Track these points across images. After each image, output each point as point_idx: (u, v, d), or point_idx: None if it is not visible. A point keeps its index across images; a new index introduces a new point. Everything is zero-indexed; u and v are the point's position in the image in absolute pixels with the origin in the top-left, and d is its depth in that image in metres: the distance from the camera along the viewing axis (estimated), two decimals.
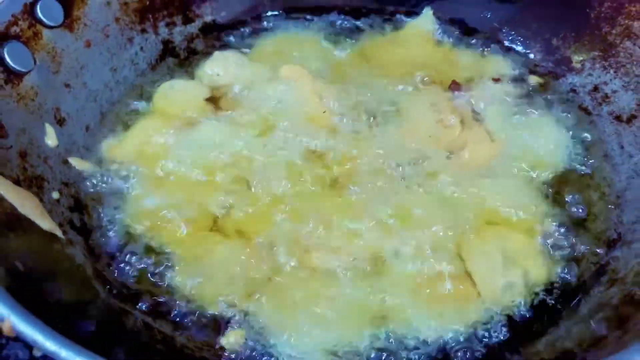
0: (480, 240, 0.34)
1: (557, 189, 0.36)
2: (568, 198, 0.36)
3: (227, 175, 0.37)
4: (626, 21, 0.38)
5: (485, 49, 0.46)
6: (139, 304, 0.31)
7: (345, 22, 0.49)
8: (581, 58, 0.41)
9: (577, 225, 0.35)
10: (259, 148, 0.39)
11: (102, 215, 0.36)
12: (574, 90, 0.41)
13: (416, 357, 0.31)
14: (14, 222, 0.30)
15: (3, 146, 0.34)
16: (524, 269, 0.32)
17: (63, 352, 0.24)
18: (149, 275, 0.33)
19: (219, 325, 0.31)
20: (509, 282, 0.32)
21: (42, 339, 0.25)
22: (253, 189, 0.36)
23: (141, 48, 0.45)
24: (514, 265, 0.32)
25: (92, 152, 0.39)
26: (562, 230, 0.34)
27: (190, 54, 0.47)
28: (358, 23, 0.49)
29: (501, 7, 0.44)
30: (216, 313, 0.32)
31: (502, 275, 0.31)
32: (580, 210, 0.35)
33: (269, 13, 0.49)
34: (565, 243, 0.34)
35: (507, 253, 0.32)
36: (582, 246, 0.34)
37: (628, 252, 0.32)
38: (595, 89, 0.40)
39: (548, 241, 0.34)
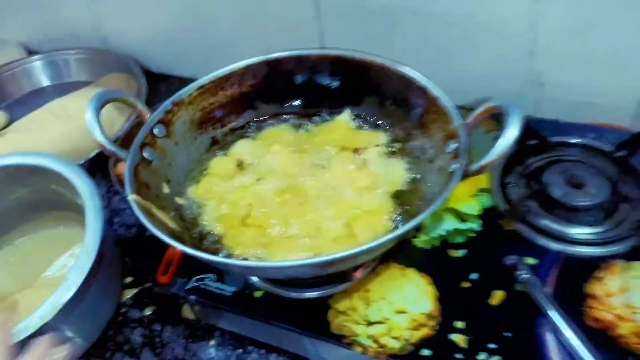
0: (360, 219, 0.63)
1: (397, 198, 0.66)
2: (402, 201, 0.66)
3: (246, 200, 0.67)
4: (430, 115, 0.68)
5: (373, 129, 0.75)
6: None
7: (303, 120, 0.79)
8: (415, 132, 0.71)
9: (404, 212, 0.65)
10: (261, 186, 0.69)
11: (193, 220, 0.67)
12: (412, 149, 0.70)
13: None
14: (162, 224, 0.67)
15: (150, 193, 0.71)
16: (377, 229, 0.64)
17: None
18: (212, 239, 0.65)
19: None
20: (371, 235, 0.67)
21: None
22: (260, 204, 0.66)
23: (201, 141, 0.73)
24: (372, 227, 0.65)
25: (184, 194, 0.68)
26: (397, 214, 0.66)
27: (225, 143, 0.75)
28: (311, 120, 0.79)
29: (379, 111, 0.76)
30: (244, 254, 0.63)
31: (367, 232, 0.67)
32: (406, 205, 0.65)
33: (262, 118, 0.81)
34: (398, 219, 0.64)
35: (370, 223, 0.69)
36: (405, 217, 0.67)
37: None
38: (421, 147, 0.69)
39: (389, 217, 0.66)
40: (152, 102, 1.11)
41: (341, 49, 0.77)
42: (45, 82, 1.20)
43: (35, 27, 1.35)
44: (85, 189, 0.72)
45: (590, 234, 0.71)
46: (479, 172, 0.59)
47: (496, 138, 0.57)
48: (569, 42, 0.87)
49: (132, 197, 0.61)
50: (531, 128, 0.82)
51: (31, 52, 1.27)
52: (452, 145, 0.64)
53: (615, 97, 0.89)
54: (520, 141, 0.82)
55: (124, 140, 0.99)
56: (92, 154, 1.01)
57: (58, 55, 1.20)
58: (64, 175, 0.73)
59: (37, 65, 1.19)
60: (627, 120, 0.90)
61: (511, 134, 0.57)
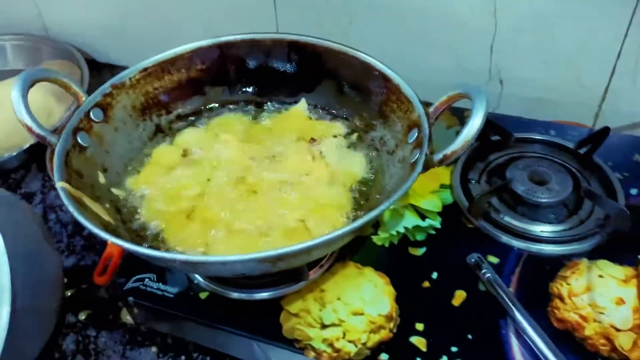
0: (316, 213, 0.59)
1: (356, 190, 0.63)
2: (360, 194, 0.62)
3: (192, 192, 0.62)
4: (390, 104, 0.64)
5: (331, 119, 0.72)
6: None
7: (256, 109, 0.75)
8: (375, 123, 0.67)
9: (363, 205, 0.62)
10: (209, 177, 0.65)
11: (131, 214, 0.61)
12: (372, 140, 0.67)
13: None
14: (95, 216, 0.61)
15: (83, 182, 0.64)
16: (333, 223, 0.59)
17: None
18: (152, 234, 0.59)
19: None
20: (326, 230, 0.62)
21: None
22: (207, 197, 0.62)
23: (143, 129, 0.68)
24: (328, 221, 0.61)
25: (122, 185, 0.63)
26: (355, 208, 0.62)
27: (171, 131, 0.71)
28: (264, 108, 0.75)
29: (337, 100, 0.72)
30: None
31: (322, 226, 0.62)
32: (363, 199, 0.62)
33: (212, 105, 0.75)
34: (354, 214, 0.61)
35: (326, 217, 0.63)
36: (363, 212, 0.61)
37: None
38: (381, 138, 0.66)
39: (347, 211, 0.61)
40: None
41: (298, 34, 0.72)
42: None
43: None
44: None
45: (554, 231, 0.69)
46: (442, 162, 0.55)
47: (457, 134, 0.54)
48: (529, 37, 0.85)
49: (60, 185, 0.54)
50: (494, 124, 0.79)
51: None
52: (414, 135, 0.60)
53: (576, 95, 0.87)
54: (483, 137, 0.80)
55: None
56: (26, 145, 0.93)
57: None
58: None
59: None
60: (589, 119, 0.88)
61: (476, 121, 0.54)
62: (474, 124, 0.53)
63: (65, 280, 0.79)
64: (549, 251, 0.67)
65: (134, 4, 1.07)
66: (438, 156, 0.55)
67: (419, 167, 0.54)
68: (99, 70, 1.16)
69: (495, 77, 0.91)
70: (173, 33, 1.06)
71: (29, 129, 0.59)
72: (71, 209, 0.52)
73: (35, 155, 0.96)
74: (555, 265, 0.64)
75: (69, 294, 0.78)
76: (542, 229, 0.69)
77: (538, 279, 0.63)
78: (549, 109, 0.90)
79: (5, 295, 0.55)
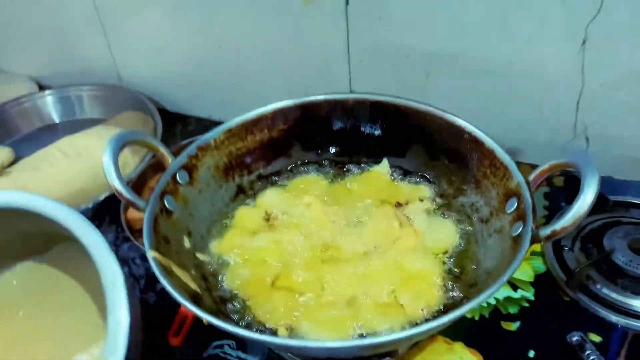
0: (407, 285, 0.56)
1: (448, 260, 0.60)
2: (453, 264, 0.60)
3: (274, 259, 0.60)
4: (482, 169, 0.61)
5: (416, 183, 0.69)
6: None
7: (337, 169, 0.73)
8: (465, 188, 0.65)
9: (457, 278, 0.58)
10: (292, 241, 0.63)
11: (215, 281, 0.60)
12: (462, 205, 0.64)
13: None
14: (182, 284, 0.59)
15: (169, 249, 0.62)
16: (427, 299, 0.57)
17: None
18: (237, 304, 0.58)
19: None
20: (421, 306, 0.60)
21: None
22: (291, 264, 0.59)
23: (226, 190, 0.67)
24: (422, 297, 0.57)
25: (206, 250, 0.62)
26: (449, 281, 0.58)
27: (252, 191, 0.70)
28: (346, 169, 0.73)
29: (423, 162, 0.70)
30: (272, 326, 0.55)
31: (417, 302, 0.57)
32: (457, 270, 0.60)
33: (293, 165, 0.74)
34: (450, 287, 0.58)
35: (419, 292, 0.59)
36: (459, 287, 0.58)
37: (476, 289, 0.56)
38: (472, 204, 0.63)
39: (441, 285, 0.58)
40: (167, 142, 1.05)
41: (381, 94, 0.70)
42: (55, 118, 1.14)
43: (48, 62, 1.30)
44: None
45: None
46: (549, 238, 0.52)
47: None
48: (622, 94, 0.80)
49: (151, 254, 0.53)
50: None
51: (42, 87, 1.21)
52: (513, 205, 0.57)
53: None
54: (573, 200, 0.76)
55: (136, 183, 0.92)
56: (102, 197, 0.94)
57: (70, 91, 1.14)
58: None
59: (48, 100, 1.13)
60: None
61: (589, 196, 0.50)
62: (587, 198, 0.50)
63: None
64: None
65: (209, 55, 1.09)
66: (545, 231, 0.52)
67: (526, 244, 0.51)
68: (171, 120, 1.17)
69: (581, 134, 0.87)
70: (245, 88, 1.06)
71: (119, 194, 0.59)
72: (163, 280, 0.51)
73: (109, 206, 0.96)
74: None
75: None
76: None
77: None
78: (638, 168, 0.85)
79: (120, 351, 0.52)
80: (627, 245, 0.68)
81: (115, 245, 0.94)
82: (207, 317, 0.48)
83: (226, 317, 0.56)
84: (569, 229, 0.51)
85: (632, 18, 0.74)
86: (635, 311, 0.64)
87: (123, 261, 0.90)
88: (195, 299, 0.54)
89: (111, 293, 0.50)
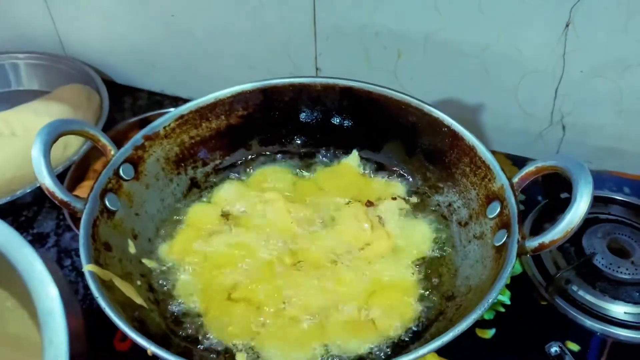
0: (379, 297, 0.52)
1: (423, 267, 0.56)
2: (428, 272, 0.55)
3: (232, 265, 0.55)
4: (461, 167, 0.57)
5: (388, 178, 0.64)
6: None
7: (303, 161, 0.66)
8: (442, 186, 0.60)
9: (433, 288, 0.54)
10: (252, 246, 0.57)
11: (165, 291, 0.54)
12: (438, 205, 0.60)
13: None
14: (126, 299, 0.52)
15: (111, 256, 0.55)
16: (401, 314, 0.52)
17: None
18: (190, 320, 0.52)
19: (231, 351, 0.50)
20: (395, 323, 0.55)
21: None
22: (250, 273, 0.54)
23: (177, 184, 0.62)
24: (395, 311, 0.52)
25: (154, 254, 0.56)
26: (424, 291, 0.54)
27: (207, 186, 0.64)
28: (313, 161, 0.67)
29: (398, 156, 0.65)
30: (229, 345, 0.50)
31: (390, 318, 0.51)
32: (434, 279, 0.54)
33: (251, 157, 0.67)
34: (425, 297, 0.53)
35: (392, 305, 0.53)
36: (435, 299, 0.53)
37: (454, 302, 0.52)
38: (449, 205, 0.59)
39: (415, 297, 0.53)
40: (114, 119, 0.95)
41: (351, 79, 0.63)
42: None
43: None
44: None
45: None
46: (537, 250, 0.47)
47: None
48: (603, 83, 0.76)
49: (88, 269, 0.46)
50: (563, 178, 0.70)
51: None
52: (496, 209, 0.52)
53: None
54: (552, 194, 0.72)
55: (79, 165, 0.83)
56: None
57: (4, 59, 1.03)
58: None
59: None
60: None
61: (582, 206, 0.45)
62: (579, 209, 0.45)
63: None
64: (636, 338, 0.58)
65: (162, 23, 0.99)
66: (532, 243, 0.47)
67: (512, 257, 0.46)
68: (119, 93, 1.07)
69: (558, 122, 0.83)
70: (201, 57, 0.97)
71: (51, 194, 0.51)
72: (102, 303, 0.44)
73: None
74: None
75: None
76: (627, 310, 0.61)
77: None
78: (616, 159, 0.81)
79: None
80: (607, 246, 0.64)
81: (57, 235, 0.85)
82: (151, 348, 0.41)
83: (177, 337, 0.50)
84: (558, 242, 0.46)
85: (617, 1, 0.70)
86: (614, 317, 0.61)
87: (65, 253, 0.82)
88: (139, 320, 0.47)
89: (49, 324, 0.42)
